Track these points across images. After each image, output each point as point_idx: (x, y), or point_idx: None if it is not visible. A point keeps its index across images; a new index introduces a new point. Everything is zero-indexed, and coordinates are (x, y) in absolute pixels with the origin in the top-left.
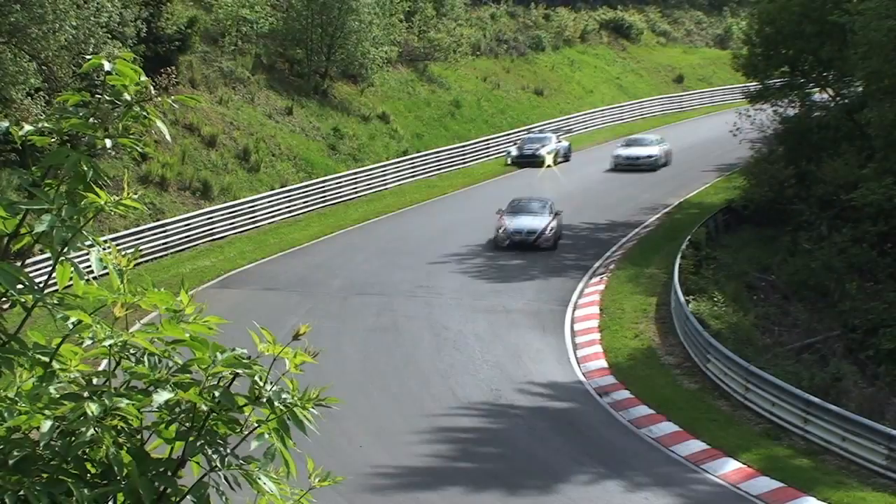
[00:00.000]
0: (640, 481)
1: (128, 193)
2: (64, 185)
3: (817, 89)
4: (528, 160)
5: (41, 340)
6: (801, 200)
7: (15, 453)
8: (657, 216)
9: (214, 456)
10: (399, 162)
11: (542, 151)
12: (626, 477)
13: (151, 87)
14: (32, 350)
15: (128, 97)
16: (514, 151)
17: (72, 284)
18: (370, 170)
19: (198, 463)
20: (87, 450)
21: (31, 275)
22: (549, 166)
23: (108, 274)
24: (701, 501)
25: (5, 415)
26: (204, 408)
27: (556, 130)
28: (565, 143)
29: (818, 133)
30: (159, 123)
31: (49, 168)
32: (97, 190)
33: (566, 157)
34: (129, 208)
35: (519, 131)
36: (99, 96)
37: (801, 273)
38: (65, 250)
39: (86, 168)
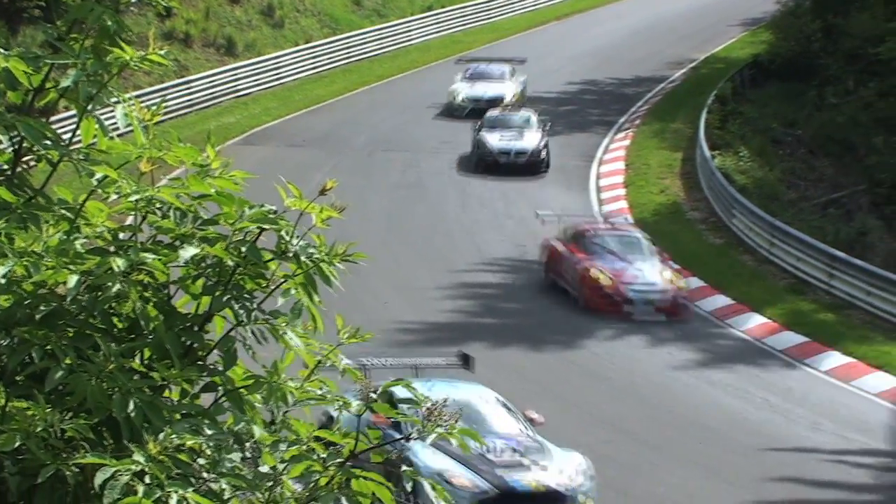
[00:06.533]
0: (664, 336)
1: (153, 49)
2: (89, 40)
3: None
4: None
5: (68, 197)
6: (828, 55)
7: (42, 308)
8: (683, 71)
9: (241, 311)
10: (424, 17)
11: None
12: (650, 332)
13: None
14: (58, 205)
15: None
16: None
17: (97, 140)
18: (394, 26)
19: (224, 318)
20: (114, 305)
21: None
22: None
23: (133, 131)
24: (725, 356)
25: (31, 270)
26: (230, 263)
27: None
28: None
29: None
30: None
31: (74, 22)
32: (122, 45)
33: None
34: (155, 64)
35: None
36: None
37: (827, 127)
38: (90, 106)
39: (110, 22)
